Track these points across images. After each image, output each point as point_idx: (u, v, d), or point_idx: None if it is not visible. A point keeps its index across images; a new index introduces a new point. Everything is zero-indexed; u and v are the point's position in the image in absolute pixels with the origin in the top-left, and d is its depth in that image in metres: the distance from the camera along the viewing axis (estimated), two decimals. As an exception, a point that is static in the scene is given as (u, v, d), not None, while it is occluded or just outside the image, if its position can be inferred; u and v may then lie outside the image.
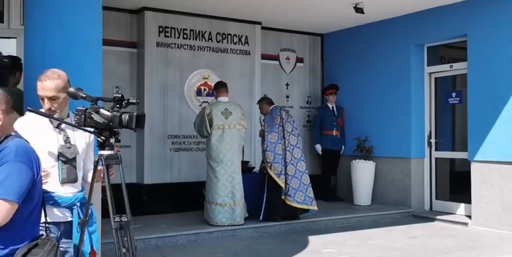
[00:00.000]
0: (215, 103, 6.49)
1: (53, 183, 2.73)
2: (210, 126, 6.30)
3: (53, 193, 2.71)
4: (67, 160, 2.75)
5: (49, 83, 2.74)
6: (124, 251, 2.60)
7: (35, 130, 2.75)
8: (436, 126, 7.70)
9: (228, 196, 6.21)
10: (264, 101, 6.98)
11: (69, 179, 2.76)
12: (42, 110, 2.78)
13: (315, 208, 6.61)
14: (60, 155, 2.74)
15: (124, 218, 2.64)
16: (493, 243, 5.88)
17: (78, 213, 2.77)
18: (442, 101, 7.69)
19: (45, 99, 2.76)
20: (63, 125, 2.81)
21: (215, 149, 6.27)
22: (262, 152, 6.70)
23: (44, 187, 2.56)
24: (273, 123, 6.63)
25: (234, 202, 6.22)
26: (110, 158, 2.66)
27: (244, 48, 7.95)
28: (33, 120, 2.79)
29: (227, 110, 6.36)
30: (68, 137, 2.79)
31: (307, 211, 6.62)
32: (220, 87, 6.54)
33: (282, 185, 6.45)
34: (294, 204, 6.46)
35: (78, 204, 2.79)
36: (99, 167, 2.75)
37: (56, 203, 2.73)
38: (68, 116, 2.88)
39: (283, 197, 6.46)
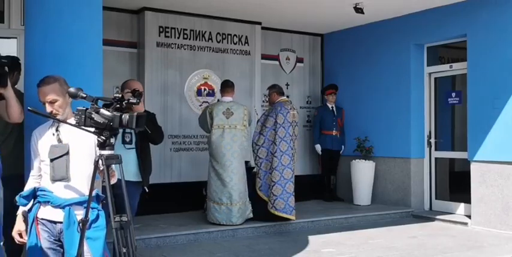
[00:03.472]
0: (217, 103, 6.52)
1: (45, 180, 2.93)
2: (211, 125, 6.31)
3: (44, 190, 2.90)
4: (54, 158, 2.88)
5: (46, 88, 2.93)
6: (124, 251, 2.61)
7: (41, 135, 2.97)
8: (435, 127, 7.71)
9: (225, 195, 6.21)
10: (275, 90, 6.79)
11: (58, 177, 2.88)
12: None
13: (294, 217, 6.42)
14: (49, 154, 2.90)
15: (124, 218, 2.65)
16: (492, 243, 5.89)
17: (70, 216, 2.84)
18: (441, 101, 7.69)
19: (46, 104, 2.94)
20: (60, 127, 2.95)
21: (215, 147, 6.29)
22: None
23: (41, 183, 2.93)
24: (264, 126, 6.53)
25: (230, 202, 6.21)
26: (110, 158, 2.67)
27: (244, 48, 7.95)
28: (42, 127, 3.02)
29: (228, 110, 6.34)
30: (60, 138, 2.92)
31: (287, 219, 6.41)
32: (225, 86, 6.52)
33: (260, 194, 6.44)
34: (272, 210, 6.36)
35: (71, 206, 2.86)
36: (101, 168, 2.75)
37: (47, 202, 2.89)
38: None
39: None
